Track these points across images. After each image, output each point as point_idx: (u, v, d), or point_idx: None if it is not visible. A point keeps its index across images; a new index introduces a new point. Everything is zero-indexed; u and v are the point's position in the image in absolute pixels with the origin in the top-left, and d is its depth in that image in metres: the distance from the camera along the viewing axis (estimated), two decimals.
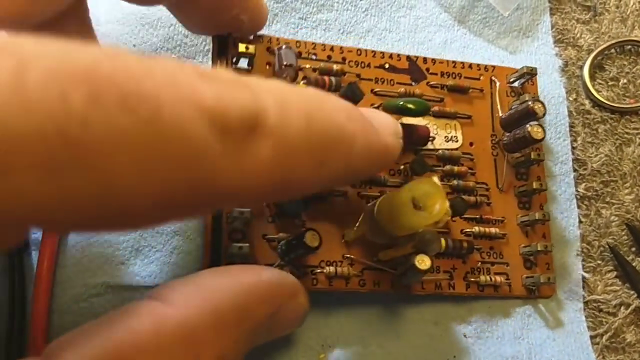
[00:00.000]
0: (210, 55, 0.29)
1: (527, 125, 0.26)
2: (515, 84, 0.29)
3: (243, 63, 0.26)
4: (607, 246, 0.28)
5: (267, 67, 0.26)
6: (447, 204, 0.21)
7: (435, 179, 0.23)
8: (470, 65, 0.29)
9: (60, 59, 0.11)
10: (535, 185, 0.27)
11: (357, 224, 0.25)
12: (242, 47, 0.25)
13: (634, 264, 0.28)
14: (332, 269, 0.24)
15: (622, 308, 0.27)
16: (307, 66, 0.26)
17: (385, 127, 0.19)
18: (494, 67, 0.29)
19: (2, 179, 0.10)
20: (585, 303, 0.27)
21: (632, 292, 0.27)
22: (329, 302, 0.25)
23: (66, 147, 0.10)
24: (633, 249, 0.28)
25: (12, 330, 0.22)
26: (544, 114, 0.26)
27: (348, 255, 0.25)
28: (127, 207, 0.12)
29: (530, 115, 0.26)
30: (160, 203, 0.12)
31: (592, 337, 0.27)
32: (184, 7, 0.22)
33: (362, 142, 0.16)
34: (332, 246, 0.25)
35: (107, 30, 0.28)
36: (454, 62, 0.29)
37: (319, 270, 0.24)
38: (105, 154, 0.11)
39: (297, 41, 0.27)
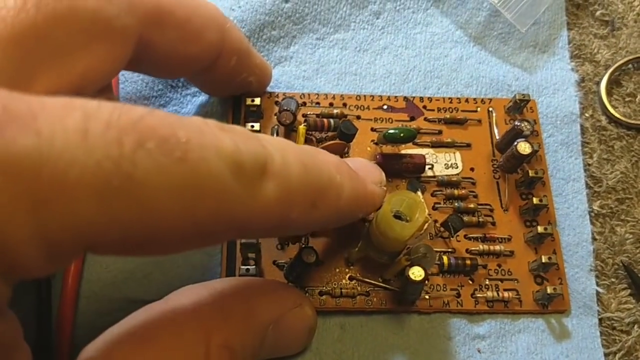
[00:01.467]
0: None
1: (515, 143, 0.27)
2: (514, 112, 0.30)
3: (252, 116, 0.29)
4: (621, 264, 0.28)
5: (274, 116, 0.29)
6: (427, 212, 0.23)
7: (419, 193, 0.26)
8: (467, 100, 0.30)
9: (115, 113, 0.13)
10: (535, 201, 0.27)
11: (358, 245, 0.26)
12: (248, 101, 0.28)
13: None
14: (338, 289, 0.26)
15: (636, 326, 0.27)
16: (310, 113, 0.29)
17: (371, 176, 0.22)
18: (490, 99, 0.31)
19: (68, 205, 0.12)
20: (600, 320, 0.27)
21: None
22: (343, 318, 0.26)
23: (119, 181, 0.13)
24: None
25: (39, 344, 0.23)
26: (531, 132, 0.28)
27: (353, 276, 0.26)
28: (163, 231, 0.14)
29: (518, 134, 0.28)
30: (189, 229, 0.14)
31: (606, 355, 0.27)
32: (200, 77, 0.26)
33: (349, 190, 0.19)
34: (338, 267, 0.26)
35: None
36: (450, 98, 0.30)
37: (326, 290, 0.26)
38: (148, 186, 0.13)
39: (302, 94, 0.30)
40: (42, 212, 0.12)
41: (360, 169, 0.22)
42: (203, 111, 0.29)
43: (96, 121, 0.13)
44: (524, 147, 0.27)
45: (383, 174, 0.24)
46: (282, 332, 0.22)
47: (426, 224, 0.23)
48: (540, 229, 0.27)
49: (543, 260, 0.26)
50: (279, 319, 0.21)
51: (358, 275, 0.26)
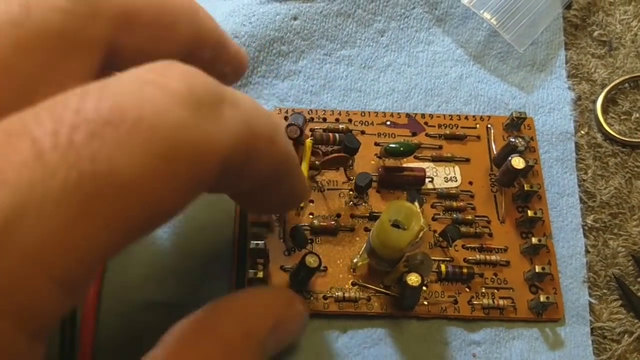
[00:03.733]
0: (241, 90, 0.32)
1: (509, 158, 0.29)
2: (512, 129, 0.32)
3: None
4: (613, 276, 0.29)
5: None
6: (422, 221, 0.25)
7: (416, 203, 0.27)
8: (466, 117, 0.32)
9: (56, 116, 0.13)
10: (530, 214, 0.29)
11: (360, 253, 0.28)
12: None
13: (639, 294, 0.29)
14: (341, 294, 0.27)
15: (626, 336, 0.28)
16: (317, 128, 0.31)
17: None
18: (489, 116, 0.32)
19: (66, 250, 0.12)
20: (591, 329, 0.28)
21: (636, 321, 0.28)
22: (345, 321, 0.27)
23: (97, 185, 0.13)
24: (639, 279, 0.30)
25: (64, 343, 0.25)
26: (525, 148, 0.29)
27: (356, 282, 0.28)
28: (155, 201, 0.14)
29: (512, 149, 0.29)
30: (175, 188, 0.14)
31: None
32: None
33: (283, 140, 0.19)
34: (341, 274, 0.28)
35: None
36: (450, 115, 0.32)
37: (329, 295, 0.27)
38: (124, 173, 0.13)
39: (310, 110, 0.32)
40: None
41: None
42: None
43: (44, 139, 0.12)
44: (517, 162, 0.28)
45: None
46: (279, 336, 0.22)
47: (421, 232, 0.25)
48: (534, 240, 0.28)
49: (537, 270, 0.28)
50: (275, 326, 0.21)
51: (360, 281, 0.28)
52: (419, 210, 0.25)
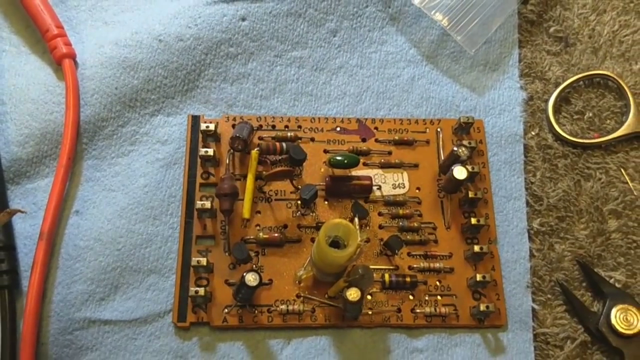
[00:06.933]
0: (188, 94, 0.31)
1: (452, 168, 0.29)
2: (461, 132, 0.32)
3: (209, 139, 0.30)
4: (557, 281, 0.30)
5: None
6: (359, 239, 0.25)
7: (356, 220, 0.28)
8: (416, 121, 0.32)
9: None
10: (473, 221, 0.29)
11: (304, 265, 0.28)
12: (203, 126, 0.29)
13: (583, 299, 0.30)
14: (285, 307, 0.27)
15: (569, 342, 0.29)
16: (265, 136, 0.31)
17: None
18: (439, 120, 0.32)
19: None
20: (534, 335, 0.29)
21: (579, 327, 0.29)
22: (290, 332, 0.28)
23: None
24: (584, 284, 0.30)
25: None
26: (468, 157, 0.29)
27: (300, 294, 0.28)
28: None
29: (456, 158, 0.29)
30: None
31: None
32: None
33: None
34: (287, 286, 0.28)
35: (92, 73, 0.31)
36: (400, 119, 0.32)
37: (273, 309, 0.28)
38: None
39: (258, 117, 0.31)
40: None
41: None
42: (161, 131, 0.31)
43: None
44: (459, 172, 0.28)
45: None
46: None
47: (358, 250, 0.25)
48: (476, 248, 0.28)
49: (478, 279, 0.28)
50: None
51: (305, 293, 0.28)
52: (356, 227, 0.25)
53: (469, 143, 0.31)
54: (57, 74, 0.31)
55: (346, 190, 0.30)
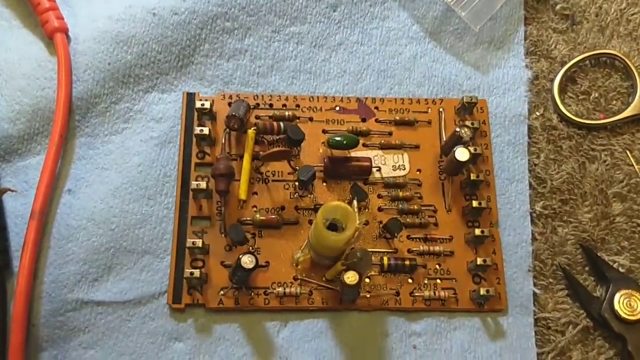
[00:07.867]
0: (182, 70, 0.31)
1: (454, 149, 0.28)
2: (464, 112, 0.31)
3: (205, 117, 0.29)
4: (559, 265, 0.29)
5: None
6: (357, 222, 0.24)
7: (354, 202, 0.27)
8: (418, 100, 0.31)
9: None
10: (475, 204, 0.28)
11: (302, 248, 0.27)
12: (198, 104, 0.29)
13: (586, 284, 0.29)
14: (282, 289, 0.27)
15: (570, 327, 0.28)
16: (262, 115, 0.30)
17: None
18: (441, 99, 0.31)
19: None
20: (535, 320, 0.28)
21: (581, 312, 0.29)
22: (287, 315, 0.27)
23: None
24: (587, 268, 0.30)
25: None
26: (471, 138, 0.28)
27: (298, 277, 0.27)
28: None
29: (458, 139, 0.28)
30: None
31: (539, 355, 0.28)
32: None
33: None
34: (284, 269, 0.28)
35: (84, 48, 0.30)
36: (402, 99, 0.31)
37: (270, 291, 0.27)
38: None
39: (255, 95, 0.30)
40: None
41: None
42: (155, 109, 0.30)
43: None
44: (461, 154, 0.28)
45: None
46: None
47: (356, 233, 0.24)
48: (477, 231, 0.28)
49: (478, 262, 0.27)
50: None
51: (303, 275, 0.28)
52: (355, 209, 0.25)
53: (472, 124, 0.30)
54: (48, 48, 0.30)
55: (345, 172, 0.29)
